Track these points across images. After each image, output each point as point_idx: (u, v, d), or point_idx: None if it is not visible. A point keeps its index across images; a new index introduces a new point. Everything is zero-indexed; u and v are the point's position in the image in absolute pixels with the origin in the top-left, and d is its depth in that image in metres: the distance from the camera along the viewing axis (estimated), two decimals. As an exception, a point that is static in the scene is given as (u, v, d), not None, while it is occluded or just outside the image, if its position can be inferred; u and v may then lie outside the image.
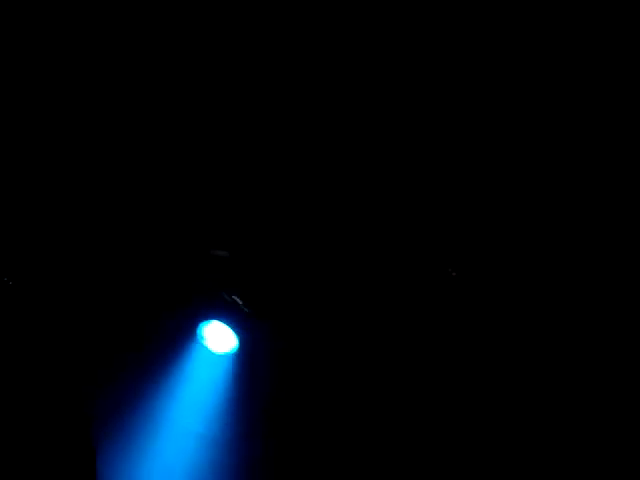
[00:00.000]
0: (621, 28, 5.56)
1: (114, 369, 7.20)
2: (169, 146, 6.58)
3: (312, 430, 7.27)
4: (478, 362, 7.08)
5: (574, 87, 5.89)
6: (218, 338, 7.15)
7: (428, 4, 5.66)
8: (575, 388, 6.85)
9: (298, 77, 6.10)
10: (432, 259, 6.82)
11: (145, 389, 7.28)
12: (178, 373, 7.27)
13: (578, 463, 6.77)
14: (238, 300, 7.07)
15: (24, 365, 6.65)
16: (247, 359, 7.20)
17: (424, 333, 7.05)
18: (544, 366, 6.91)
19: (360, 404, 7.18)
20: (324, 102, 6.24)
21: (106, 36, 6.06)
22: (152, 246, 6.93)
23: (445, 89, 6.03)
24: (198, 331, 7.15)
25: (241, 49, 6.00)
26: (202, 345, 7.18)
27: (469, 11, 5.63)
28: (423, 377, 7.09)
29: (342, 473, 7.23)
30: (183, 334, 7.18)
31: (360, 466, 7.23)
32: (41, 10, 5.95)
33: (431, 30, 5.76)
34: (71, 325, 7.03)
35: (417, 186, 6.53)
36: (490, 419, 7.03)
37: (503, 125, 6.18)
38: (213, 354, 7.21)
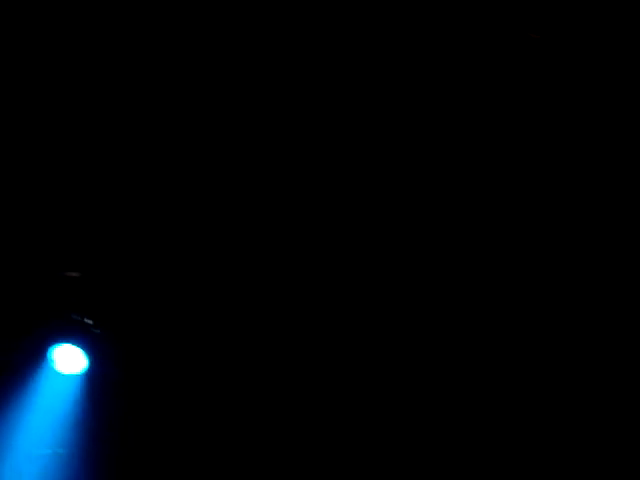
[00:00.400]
0: (621, 28, 5.75)
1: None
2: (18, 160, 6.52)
3: (163, 446, 7.33)
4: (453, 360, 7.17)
5: (574, 87, 6.08)
6: (68, 359, 7.14)
7: (428, 4, 5.77)
8: (575, 388, 7.00)
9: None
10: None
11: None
12: (27, 396, 7.21)
13: (578, 463, 6.87)
14: (88, 321, 7.09)
15: None
16: (97, 379, 7.21)
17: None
18: (544, 366, 7.05)
19: (212, 417, 7.27)
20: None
21: (106, 36, 6.00)
22: (1, 267, 6.88)
23: (445, 89, 6.13)
24: (47, 353, 7.12)
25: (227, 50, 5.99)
26: (51, 367, 7.15)
27: (469, 11, 5.76)
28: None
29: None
30: (32, 356, 7.13)
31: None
32: (41, 10, 5.84)
33: (431, 30, 5.88)
34: None
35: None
36: (480, 418, 7.11)
37: (503, 125, 6.33)
38: (62, 375, 7.19)
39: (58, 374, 7.19)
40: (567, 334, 7.10)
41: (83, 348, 7.11)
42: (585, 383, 7.09)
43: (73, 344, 7.10)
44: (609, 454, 6.95)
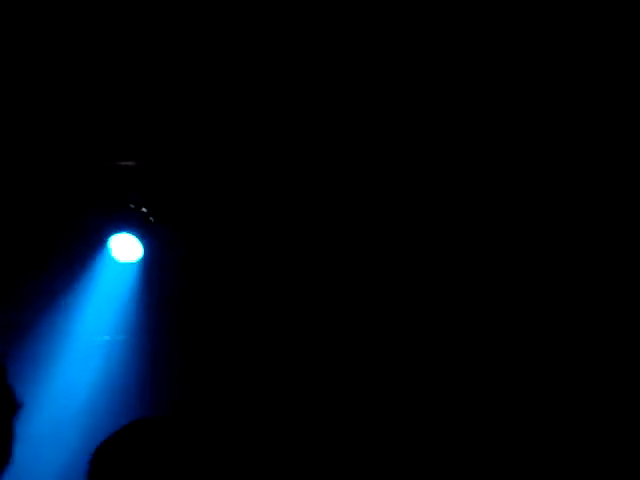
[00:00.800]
0: (621, 28, 5.72)
1: (21, 284, 7.20)
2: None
3: (220, 334, 7.45)
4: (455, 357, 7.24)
5: (574, 87, 6.10)
6: (124, 248, 7.25)
7: (428, 4, 5.75)
8: (574, 388, 7.06)
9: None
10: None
11: (51, 299, 7.32)
12: (85, 283, 7.35)
13: (578, 463, 6.95)
14: (144, 209, 7.17)
15: None
16: (153, 267, 7.33)
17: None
18: (544, 366, 7.12)
19: (266, 308, 7.38)
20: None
21: (106, 37, 6.02)
22: (58, 158, 6.93)
23: (445, 89, 6.16)
24: (105, 241, 7.23)
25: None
26: (109, 255, 7.27)
27: (469, 12, 5.74)
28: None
29: (251, 376, 7.42)
30: (90, 245, 7.25)
31: (272, 384, 7.40)
32: (41, 10, 5.84)
33: (431, 31, 5.88)
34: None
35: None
36: (477, 419, 7.18)
37: (502, 125, 6.36)
38: (120, 263, 7.31)
39: (115, 262, 7.31)
40: (567, 334, 7.14)
41: (139, 237, 7.21)
42: (585, 383, 7.11)
43: (130, 233, 7.20)
44: (609, 454, 6.97)
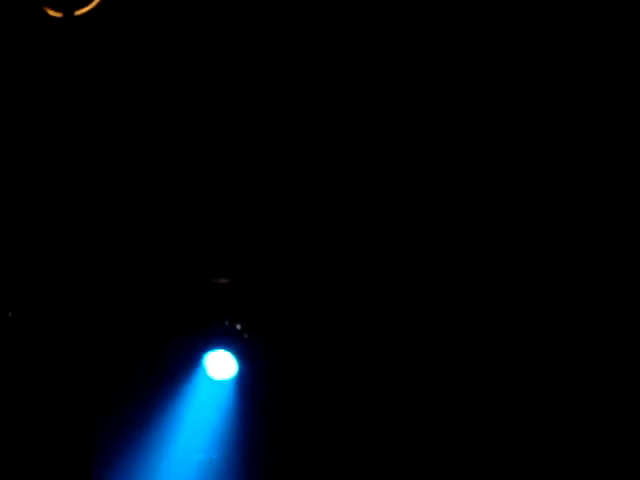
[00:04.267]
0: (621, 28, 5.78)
1: (117, 399, 7.29)
2: (168, 171, 6.70)
3: (314, 450, 7.40)
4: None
5: (574, 87, 6.12)
6: (219, 365, 7.30)
7: (428, 4, 5.85)
8: (574, 388, 6.98)
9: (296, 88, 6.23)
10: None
11: (148, 418, 7.37)
12: (181, 401, 7.40)
13: (578, 463, 6.84)
14: (238, 326, 7.25)
15: (29, 393, 6.71)
16: (248, 384, 7.36)
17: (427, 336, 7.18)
18: (544, 366, 7.05)
19: (363, 421, 7.33)
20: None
21: (106, 38, 6.11)
22: (155, 276, 7.08)
23: (445, 89, 6.21)
24: (200, 359, 7.30)
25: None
26: (204, 372, 7.32)
27: (469, 12, 5.83)
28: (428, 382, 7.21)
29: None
30: (185, 362, 7.33)
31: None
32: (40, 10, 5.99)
33: (431, 31, 5.94)
34: (75, 352, 7.12)
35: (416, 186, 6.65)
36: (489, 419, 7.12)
37: (501, 126, 6.38)
38: (214, 381, 7.36)
39: (210, 380, 7.36)
40: (567, 334, 7.05)
41: (234, 353, 7.27)
42: (585, 383, 7.01)
43: (225, 350, 7.27)
44: (609, 454, 6.83)
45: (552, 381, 7.06)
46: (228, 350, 7.27)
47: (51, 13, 5.66)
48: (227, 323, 7.24)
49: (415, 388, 7.27)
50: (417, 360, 7.24)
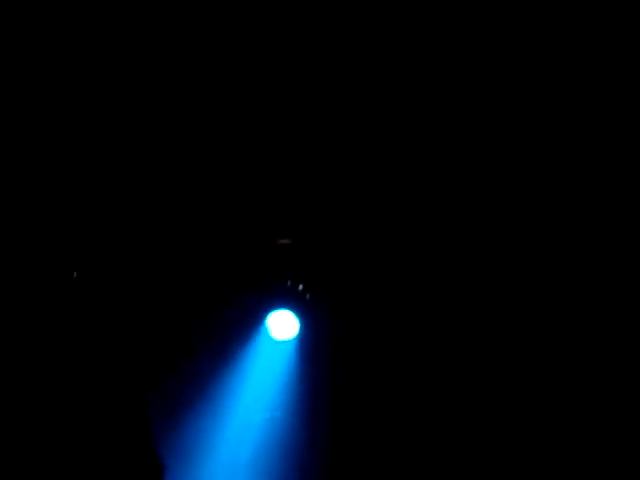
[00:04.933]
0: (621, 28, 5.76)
1: (179, 359, 7.37)
2: (229, 131, 6.73)
3: (373, 411, 7.46)
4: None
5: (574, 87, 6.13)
6: (281, 325, 7.38)
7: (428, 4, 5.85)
8: (574, 388, 7.00)
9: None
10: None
11: (210, 378, 7.46)
12: (243, 361, 7.48)
13: (578, 463, 6.85)
14: (300, 287, 7.31)
15: (92, 351, 6.80)
16: (309, 344, 7.43)
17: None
18: (543, 366, 7.08)
19: (425, 381, 7.36)
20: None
21: (106, 37, 6.14)
22: (217, 237, 7.14)
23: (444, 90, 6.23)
24: (262, 319, 7.38)
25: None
26: (266, 333, 7.40)
27: (469, 12, 5.82)
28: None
29: (408, 457, 7.39)
30: (247, 323, 7.40)
31: (429, 450, 7.36)
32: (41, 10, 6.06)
33: (431, 31, 5.96)
34: (138, 313, 7.21)
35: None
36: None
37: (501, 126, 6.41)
38: (276, 341, 7.43)
39: (272, 340, 7.44)
40: (567, 334, 7.04)
41: (296, 314, 7.34)
42: (585, 383, 7.00)
43: (287, 310, 7.34)
44: (609, 454, 6.81)
45: (553, 381, 7.06)
46: (290, 310, 7.34)
47: None
48: (289, 284, 7.30)
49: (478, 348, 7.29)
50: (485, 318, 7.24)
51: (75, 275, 7.17)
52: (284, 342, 7.47)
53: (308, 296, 7.34)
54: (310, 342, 7.45)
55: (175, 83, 6.33)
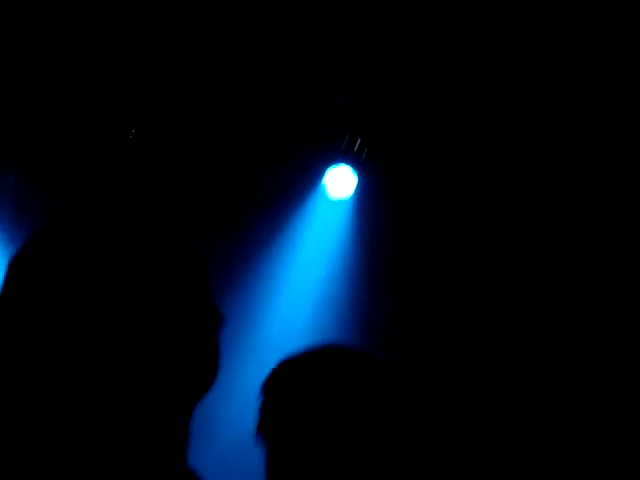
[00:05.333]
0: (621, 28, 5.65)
1: (237, 219, 7.41)
2: None
3: (429, 273, 7.47)
4: None
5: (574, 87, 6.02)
6: (338, 182, 7.36)
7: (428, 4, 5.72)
8: (574, 388, 6.94)
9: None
10: None
11: (268, 238, 7.50)
12: (300, 219, 7.50)
13: (578, 463, 6.82)
14: (356, 144, 7.28)
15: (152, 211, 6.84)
16: (366, 202, 7.43)
17: None
18: (544, 366, 7.02)
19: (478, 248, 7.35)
20: None
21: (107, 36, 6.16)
22: (275, 96, 7.11)
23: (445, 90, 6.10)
24: (319, 177, 7.37)
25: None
26: (323, 191, 7.41)
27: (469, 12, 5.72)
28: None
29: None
30: (304, 181, 7.40)
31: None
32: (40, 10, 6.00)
33: (431, 31, 5.94)
34: (199, 173, 7.24)
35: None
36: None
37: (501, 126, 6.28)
38: (333, 200, 7.44)
39: (329, 199, 7.44)
40: (567, 334, 6.95)
41: (353, 172, 7.32)
42: (585, 383, 6.91)
43: (344, 166, 7.32)
44: (609, 454, 6.73)
45: (554, 381, 6.99)
46: (347, 167, 7.31)
47: None
48: (346, 141, 7.27)
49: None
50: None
51: (133, 132, 7.20)
52: (341, 200, 7.47)
53: (365, 153, 7.30)
54: (367, 200, 7.44)
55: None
